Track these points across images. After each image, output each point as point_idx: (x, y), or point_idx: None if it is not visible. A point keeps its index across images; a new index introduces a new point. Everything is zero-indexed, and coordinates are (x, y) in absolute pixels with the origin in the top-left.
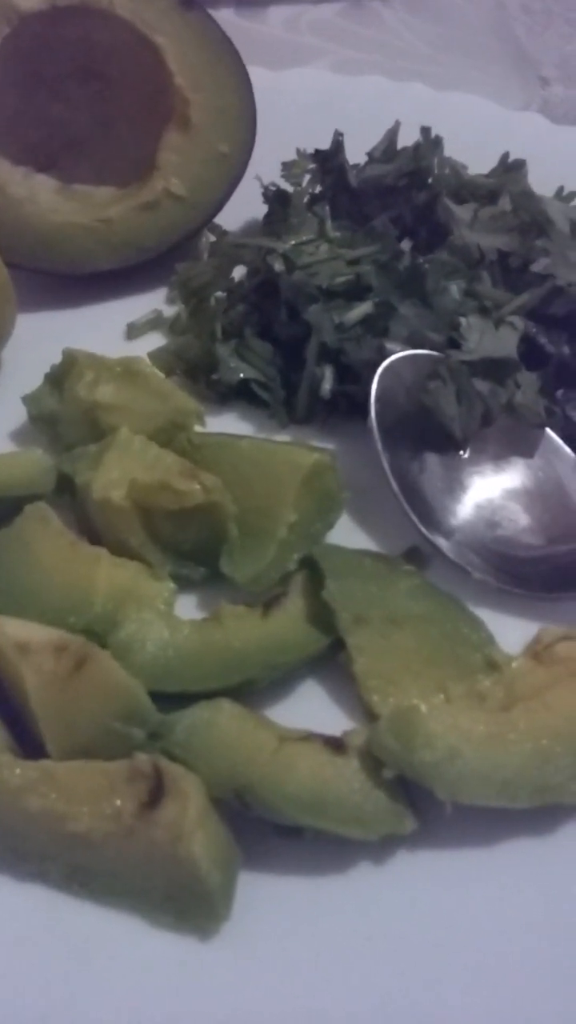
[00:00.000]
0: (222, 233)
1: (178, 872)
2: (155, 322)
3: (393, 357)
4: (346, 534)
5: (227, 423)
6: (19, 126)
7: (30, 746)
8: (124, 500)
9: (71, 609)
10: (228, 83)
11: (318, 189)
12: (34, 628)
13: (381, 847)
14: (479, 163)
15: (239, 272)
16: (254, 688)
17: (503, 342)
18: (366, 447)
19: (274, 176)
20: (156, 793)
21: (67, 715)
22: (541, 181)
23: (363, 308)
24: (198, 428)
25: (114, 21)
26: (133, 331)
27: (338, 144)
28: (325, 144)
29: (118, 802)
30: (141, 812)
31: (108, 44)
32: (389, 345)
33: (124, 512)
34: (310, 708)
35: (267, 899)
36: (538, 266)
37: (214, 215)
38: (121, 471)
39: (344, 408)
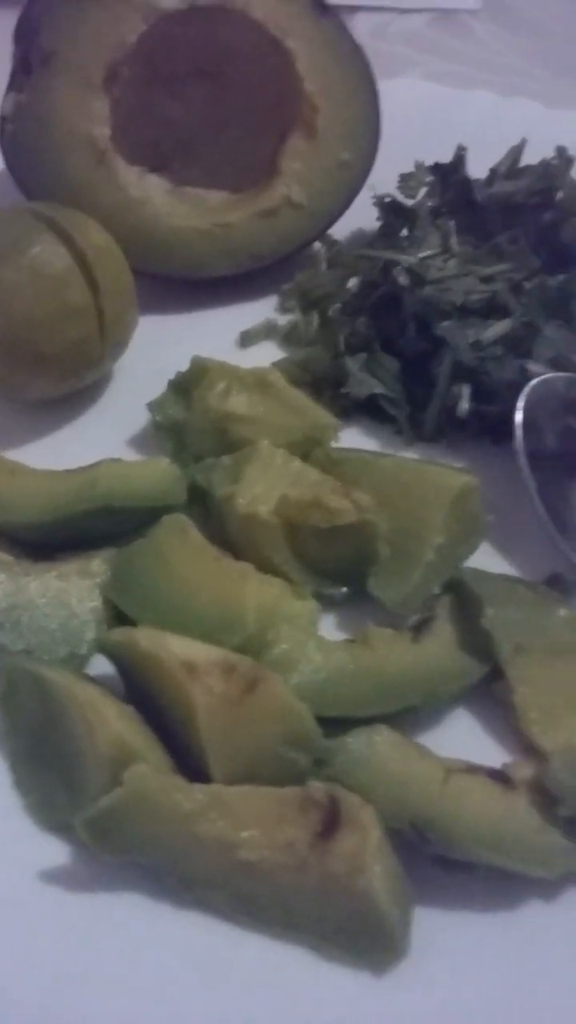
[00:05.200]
0: (332, 243)
1: (355, 906)
2: (269, 331)
3: (538, 379)
4: (484, 559)
5: (350, 439)
6: (135, 124)
7: (183, 767)
8: (271, 515)
9: (222, 626)
10: (356, 92)
11: (435, 203)
12: (198, 647)
13: (552, 885)
14: None
15: (351, 283)
16: (413, 715)
17: None
18: (497, 468)
19: (382, 186)
20: (330, 823)
21: (235, 738)
22: None
23: (502, 326)
24: (332, 443)
25: (247, 23)
26: (247, 339)
27: (460, 158)
28: (431, 156)
29: (291, 831)
30: (315, 843)
31: (232, 45)
32: (532, 366)
33: (270, 528)
34: (457, 736)
35: (438, 935)
36: None
37: (331, 224)
38: (266, 485)
39: (474, 427)
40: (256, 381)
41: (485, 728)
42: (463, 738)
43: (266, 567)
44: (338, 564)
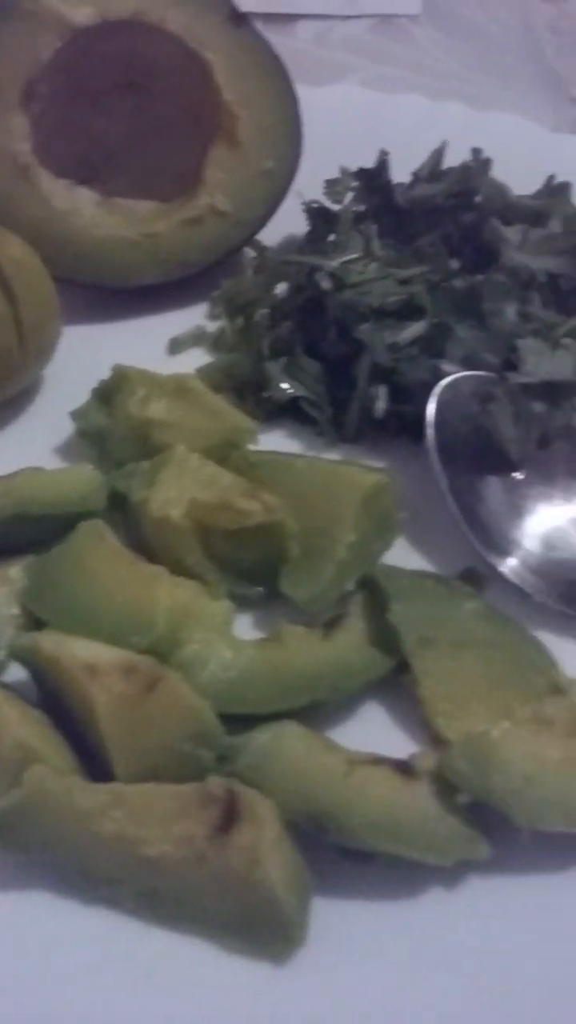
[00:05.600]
0: (262, 249)
1: (253, 897)
2: (198, 337)
3: (450, 378)
4: (400, 555)
5: (274, 441)
6: (61, 139)
7: (94, 768)
8: (183, 519)
9: (133, 628)
10: (275, 100)
11: (361, 207)
12: (100, 649)
13: (452, 872)
14: (517, 184)
15: (280, 288)
16: (319, 710)
17: (560, 364)
18: (415, 466)
19: (312, 192)
20: (229, 817)
21: (136, 737)
22: None
23: (417, 328)
24: (250, 446)
25: (163, 36)
26: (176, 346)
27: (383, 163)
28: (363, 161)
29: (190, 826)
30: (214, 837)
31: (153, 58)
32: (445, 366)
33: (182, 531)
34: (370, 729)
35: (338, 924)
36: None
37: (257, 231)
38: (179, 489)
39: (393, 427)
40: (175, 387)
41: (396, 721)
42: (374, 731)
43: (180, 569)
44: (250, 564)
